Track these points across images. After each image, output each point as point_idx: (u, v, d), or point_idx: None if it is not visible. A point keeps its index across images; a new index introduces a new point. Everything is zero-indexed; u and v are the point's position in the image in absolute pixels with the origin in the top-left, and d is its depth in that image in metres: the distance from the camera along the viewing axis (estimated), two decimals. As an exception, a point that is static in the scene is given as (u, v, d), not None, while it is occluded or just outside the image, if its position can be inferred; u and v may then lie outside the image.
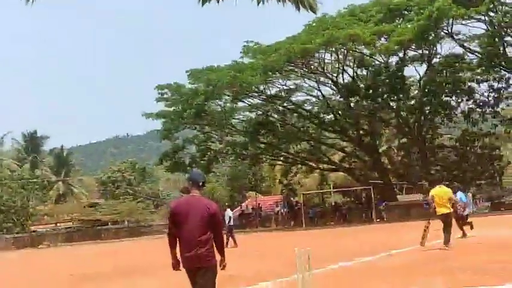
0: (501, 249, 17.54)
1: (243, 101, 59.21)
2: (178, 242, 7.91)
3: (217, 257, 7.89)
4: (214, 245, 7.87)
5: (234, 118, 61.47)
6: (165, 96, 58.77)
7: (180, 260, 7.90)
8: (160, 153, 65.08)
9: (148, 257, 29.62)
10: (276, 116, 60.26)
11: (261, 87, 56.55)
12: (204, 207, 7.85)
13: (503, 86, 53.91)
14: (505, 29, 49.40)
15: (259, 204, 65.69)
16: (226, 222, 31.17)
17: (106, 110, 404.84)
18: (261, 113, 60.45)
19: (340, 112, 58.32)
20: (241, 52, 56.79)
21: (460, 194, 23.09)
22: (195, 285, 7.85)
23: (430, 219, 20.05)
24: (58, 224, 70.65)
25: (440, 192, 19.71)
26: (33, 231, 66.63)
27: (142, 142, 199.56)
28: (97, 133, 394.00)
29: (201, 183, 8.14)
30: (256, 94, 57.71)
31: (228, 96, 57.50)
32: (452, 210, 19.98)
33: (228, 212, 32.11)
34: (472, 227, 22.94)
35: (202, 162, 60.88)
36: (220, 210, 8.28)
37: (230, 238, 29.68)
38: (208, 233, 7.79)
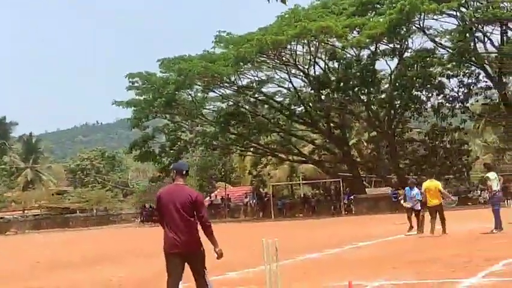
0: (467, 244, 17.75)
1: (214, 91, 59.07)
2: (164, 226, 8.28)
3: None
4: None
5: (204, 108, 61.24)
6: (135, 84, 58.45)
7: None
8: (130, 141, 64.73)
9: (116, 245, 29.54)
10: (247, 107, 60.15)
11: (233, 78, 56.33)
12: (186, 195, 8.23)
13: (473, 81, 54.26)
14: (476, 25, 49.71)
15: (228, 195, 65.67)
16: None
17: (76, 97, 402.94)
18: (232, 103, 60.32)
19: (310, 104, 58.36)
20: (213, 42, 56.63)
21: (415, 190, 23.21)
22: (172, 271, 8.20)
23: (422, 210, 22.50)
24: (26, 211, 70.14)
25: (430, 185, 21.51)
26: (1, 218, 66.08)
27: (112, 130, 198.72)
28: (66, 120, 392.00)
29: (184, 172, 8.57)
30: (227, 85, 57.52)
31: (199, 86, 57.33)
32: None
33: None
34: (411, 227, 23.12)
35: (172, 151, 60.70)
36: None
37: None
38: (192, 220, 8.19)
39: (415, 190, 23.21)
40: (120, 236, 40.28)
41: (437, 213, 21.31)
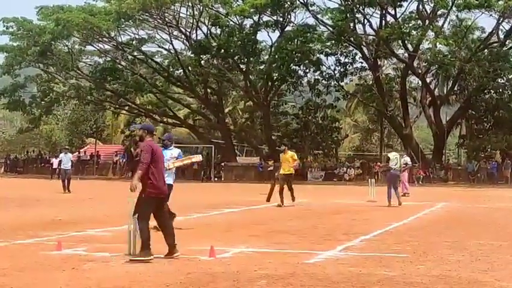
0: (328, 218, 18.21)
1: (92, 45, 57.81)
2: (153, 174, 10.10)
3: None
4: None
5: (81, 61, 60.05)
6: (10, 30, 56.42)
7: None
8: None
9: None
10: (124, 64, 59.21)
11: (112, 34, 55.34)
12: (161, 150, 10.79)
13: (350, 61, 55.59)
14: (358, 6, 50.83)
15: (98, 151, 64.49)
16: (68, 166, 30.39)
17: None
18: (109, 59, 59.26)
19: (190, 68, 58.09)
20: (96, -6, 55.19)
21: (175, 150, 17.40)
22: (159, 209, 10.20)
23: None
24: None
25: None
26: None
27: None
28: None
29: (155, 132, 11.11)
30: (106, 40, 56.47)
31: (77, 38, 55.94)
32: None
33: (69, 155, 31.26)
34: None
35: (43, 103, 59.26)
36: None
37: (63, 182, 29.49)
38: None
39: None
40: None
41: (288, 182, 21.73)
